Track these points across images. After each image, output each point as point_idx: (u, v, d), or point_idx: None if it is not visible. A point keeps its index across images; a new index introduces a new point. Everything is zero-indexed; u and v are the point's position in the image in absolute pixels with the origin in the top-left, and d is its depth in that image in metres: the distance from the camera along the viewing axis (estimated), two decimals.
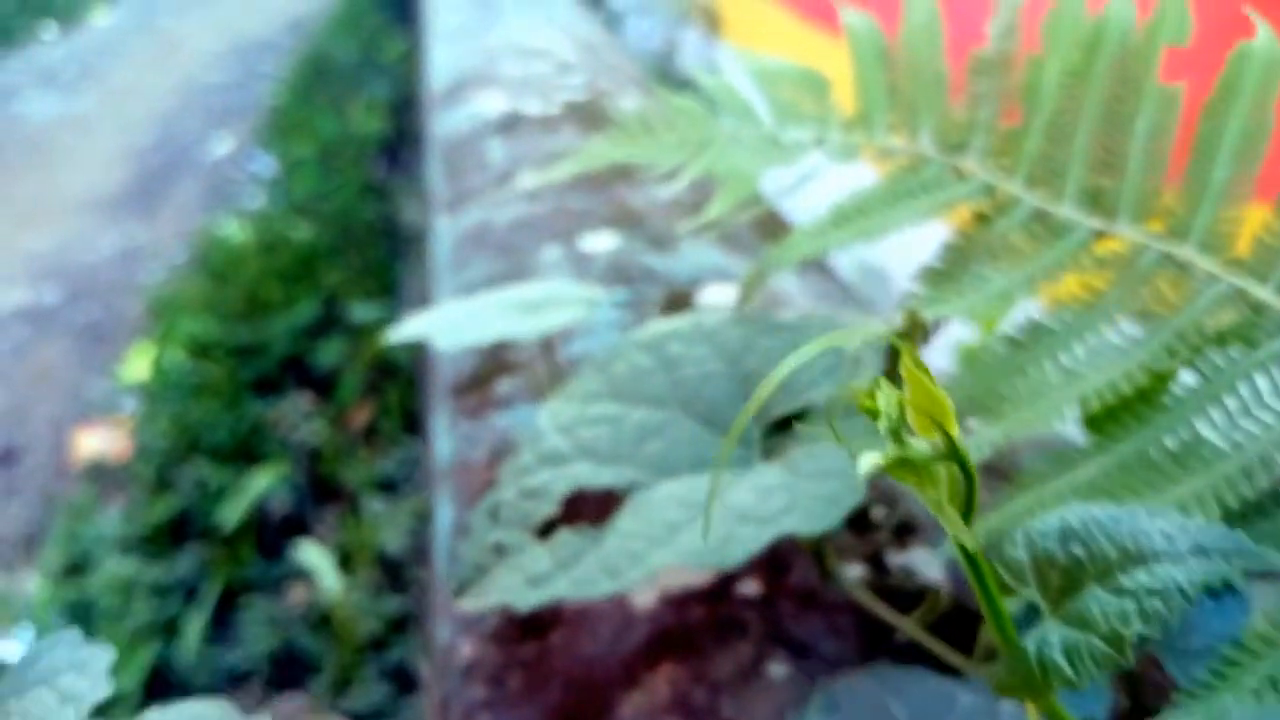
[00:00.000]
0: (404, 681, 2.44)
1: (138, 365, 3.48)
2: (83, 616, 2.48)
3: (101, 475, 3.12)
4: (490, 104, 1.65)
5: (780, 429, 0.57)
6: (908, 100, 0.69)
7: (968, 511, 0.29)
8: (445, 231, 1.30)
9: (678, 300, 1.01)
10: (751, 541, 0.49)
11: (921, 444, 0.28)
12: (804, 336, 0.60)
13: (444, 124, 1.63)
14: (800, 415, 0.57)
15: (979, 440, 0.52)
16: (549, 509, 0.56)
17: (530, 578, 0.53)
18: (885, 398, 0.28)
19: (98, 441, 3.26)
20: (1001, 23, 0.67)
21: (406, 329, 0.74)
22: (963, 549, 0.29)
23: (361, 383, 3.39)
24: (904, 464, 0.28)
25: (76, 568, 2.63)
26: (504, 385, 0.90)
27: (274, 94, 5.19)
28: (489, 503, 0.58)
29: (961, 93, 0.69)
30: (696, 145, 0.69)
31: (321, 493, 3.07)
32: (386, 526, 2.85)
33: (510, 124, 1.55)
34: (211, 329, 3.42)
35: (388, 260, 4.11)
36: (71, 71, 5.78)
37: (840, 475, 0.51)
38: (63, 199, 4.28)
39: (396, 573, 2.73)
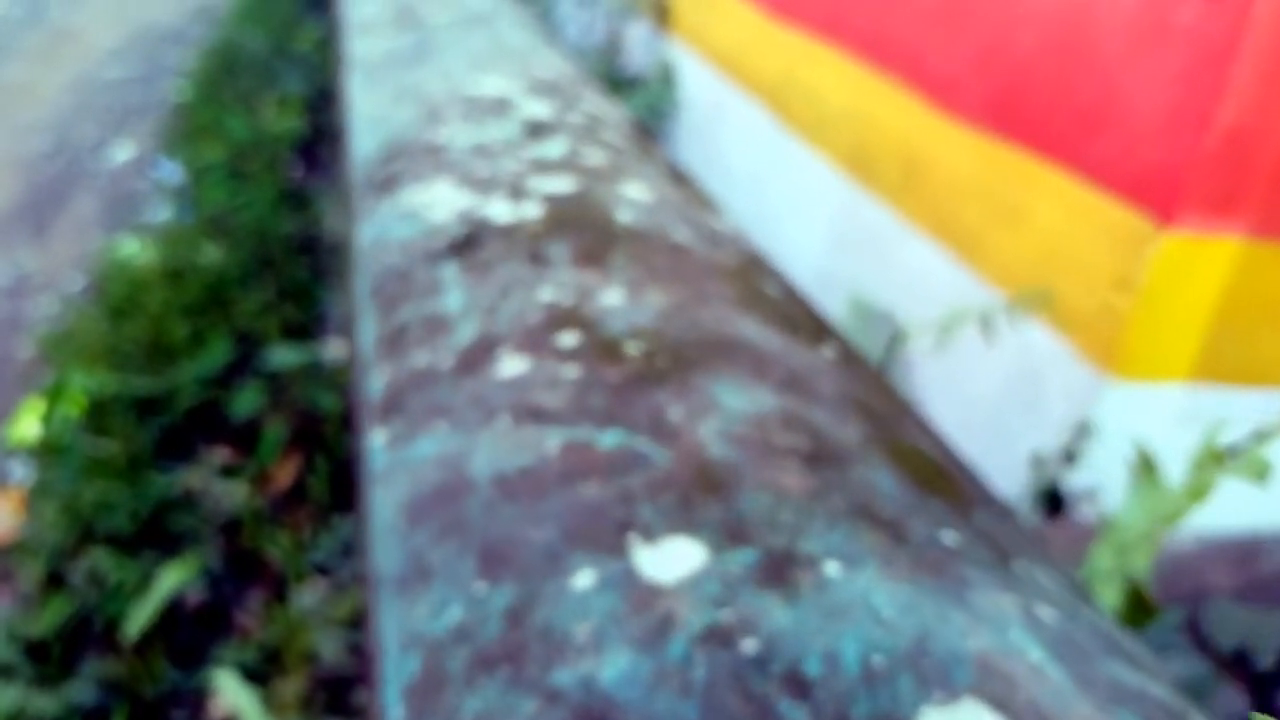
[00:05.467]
0: None
1: (27, 424, 2.81)
2: None
3: None
4: (439, 200, 1.05)
5: None
6: None
7: None
8: (383, 475, 0.71)
9: None
10: None
11: None
12: None
13: (372, 230, 1.03)
14: None
15: None
16: None
17: None
18: None
19: None
20: None
21: None
22: None
23: (284, 434, 2.77)
24: None
25: None
26: None
27: (179, 91, 4.44)
28: None
29: None
30: None
31: (243, 570, 2.46)
32: (321, 627, 2.26)
33: (472, 241, 0.95)
34: (108, 381, 2.75)
35: (309, 280, 3.46)
36: None
37: None
38: None
39: (335, 689, 2.15)
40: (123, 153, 4.06)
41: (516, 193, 1.05)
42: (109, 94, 4.50)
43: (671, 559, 0.58)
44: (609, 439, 0.69)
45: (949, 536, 0.63)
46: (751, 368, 0.76)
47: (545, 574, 0.59)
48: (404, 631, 0.59)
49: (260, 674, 2.15)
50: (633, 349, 0.78)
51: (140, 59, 4.92)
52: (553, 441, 0.70)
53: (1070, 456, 1.70)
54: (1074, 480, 1.72)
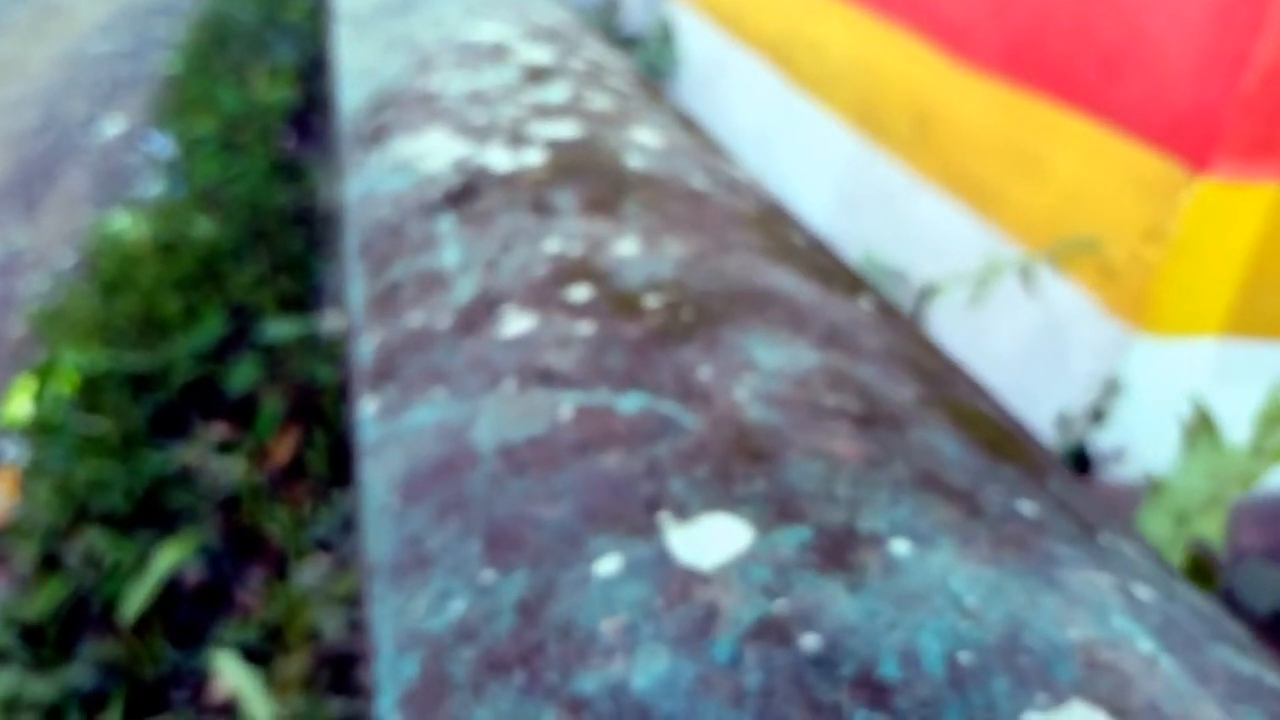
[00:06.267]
0: None
1: (19, 403, 2.72)
2: None
3: None
4: (432, 149, 0.95)
5: None
6: None
7: None
8: (375, 448, 0.62)
9: None
10: None
11: None
12: None
13: (360, 185, 0.93)
14: None
15: None
16: None
17: None
18: None
19: None
20: None
21: None
22: None
23: (281, 408, 2.68)
24: None
25: None
26: None
27: (169, 63, 4.31)
28: None
29: None
30: None
31: (242, 547, 2.38)
32: (322, 604, 2.18)
33: (469, 191, 0.86)
34: (101, 358, 2.66)
35: (304, 252, 3.35)
36: None
37: None
38: None
39: (338, 667, 2.07)
40: (113, 127, 3.94)
41: (516, 139, 0.95)
42: (97, 68, 4.37)
43: (710, 540, 0.49)
44: (630, 403, 0.59)
45: (1027, 507, 0.54)
46: (787, 321, 0.67)
47: (563, 559, 0.50)
48: (401, 629, 0.50)
49: (262, 653, 2.07)
50: (652, 302, 0.69)
51: (129, 32, 4.78)
52: (566, 407, 0.60)
53: (1098, 415, 1.61)
54: (1101, 440, 1.63)
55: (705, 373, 0.61)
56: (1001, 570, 0.48)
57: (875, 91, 2.14)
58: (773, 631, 0.44)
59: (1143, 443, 1.60)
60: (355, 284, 0.82)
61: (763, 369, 0.61)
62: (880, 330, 0.72)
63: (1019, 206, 1.77)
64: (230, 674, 1.89)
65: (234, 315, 2.86)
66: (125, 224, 3.29)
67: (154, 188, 3.58)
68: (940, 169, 1.95)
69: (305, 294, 3.05)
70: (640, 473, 0.53)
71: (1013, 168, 1.78)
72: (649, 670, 0.43)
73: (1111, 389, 1.59)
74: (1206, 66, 1.47)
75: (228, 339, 2.81)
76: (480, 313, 0.71)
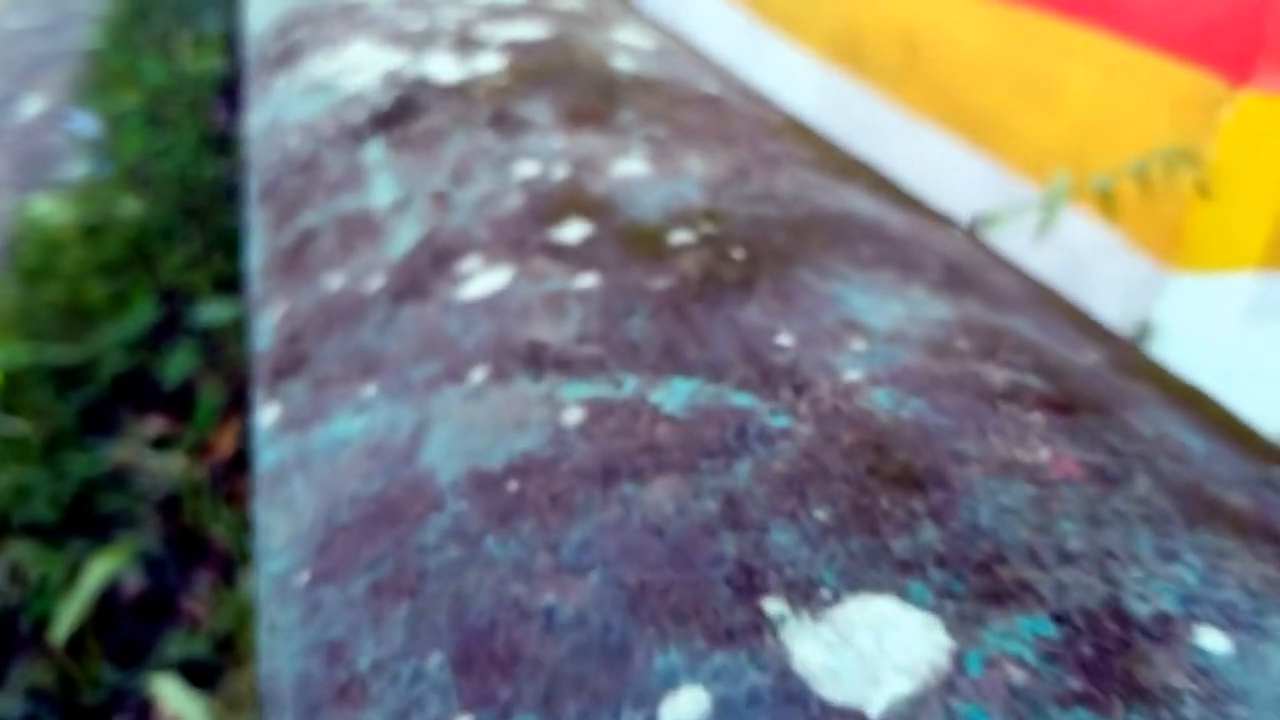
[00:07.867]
0: None
1: None
2: None
3: None
4: (355, 63, 0.69)
5: None
6: None
7: None
8: (271, 482, 0.37)
9: None
10: None
11: None
12: None
13: (264, 115, 0.68)
14: None
15: None
16: None
17: None
18: None
19: None
20: None
21: None
22: None
23: (222, 397, 2.40)
24: None
25: None
26: None
27: (89, 38, 3.95)
28: None
29: None
30: None
31: (186, 551, 2.12)
32: None
33: (406, 108, 0.61)
34: (21, 353, 2.36)
35: (238, 228, 3.05)
36: None
37: None
38: None
39: None
40: (31, 106, 3.59)
41: (465, 44, 0.70)
42: (12, 46, 4.00)
43: (871, 649, 0.25)
44: (675, 395, 0.35)
45: None
46: (888, 258, 0.43)
47: (598, 694, 0.26)
48: None
49: (212, 666, 1.82)
50: (682, 239, 0.45)
51: (44, 6, 4.40)
52: (571, 407, 0.36)
53: None
54: None
55: (786, 341, 0.37)
56: None
57: (856, 21, 1.90)
58: None
59: None
60: (254, 240, 0.57)
61: (874, 330, 0.38)
62: (999, 268, 0.48)
63: (1029, 138, 1.55)
64: (172, 700, 1.64)
65: (166, 299, 2.57)
66: (47, 208, 2.98)
67: (78, 168, 3.25)
68: (934, 102, 1.72)
69: (242, 273, 2.77)
70: (715, 517, 0.30)
71: (1019, 95, 1.56)
72: None
73: (1143, 332, 1.38)
74: None
75: (160, 325, 2.52)
76: (427, 267, 0.46)
